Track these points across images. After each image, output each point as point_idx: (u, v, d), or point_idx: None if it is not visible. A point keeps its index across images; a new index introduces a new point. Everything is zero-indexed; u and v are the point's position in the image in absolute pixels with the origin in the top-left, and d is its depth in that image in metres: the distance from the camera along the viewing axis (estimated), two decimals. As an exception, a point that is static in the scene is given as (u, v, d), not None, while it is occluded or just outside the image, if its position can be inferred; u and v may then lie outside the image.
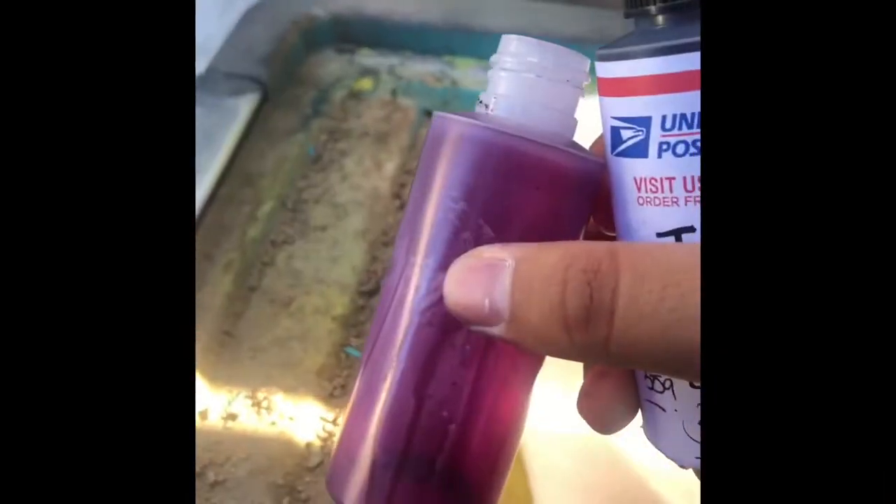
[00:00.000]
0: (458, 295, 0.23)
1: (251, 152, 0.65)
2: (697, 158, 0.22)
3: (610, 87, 0.24)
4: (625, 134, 0.23)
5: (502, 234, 0.24)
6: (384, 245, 0.60)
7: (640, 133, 0.23)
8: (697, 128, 0.22)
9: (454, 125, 0.25)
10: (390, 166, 0.66)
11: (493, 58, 0.26)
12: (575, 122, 0.26)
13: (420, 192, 0.26)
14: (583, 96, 0.26)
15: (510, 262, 0.22)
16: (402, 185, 0.65)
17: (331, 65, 0.76)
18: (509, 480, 0.45)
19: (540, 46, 0.25)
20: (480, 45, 0.74)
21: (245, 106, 0.66)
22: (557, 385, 0.47)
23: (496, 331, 0.22)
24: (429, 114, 0.71)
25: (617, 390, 0.27)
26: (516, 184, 0.24)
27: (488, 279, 0.22)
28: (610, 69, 0.24)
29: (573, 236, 0.26)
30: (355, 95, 0.73)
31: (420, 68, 0.75)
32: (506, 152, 0.24)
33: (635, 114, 0.23)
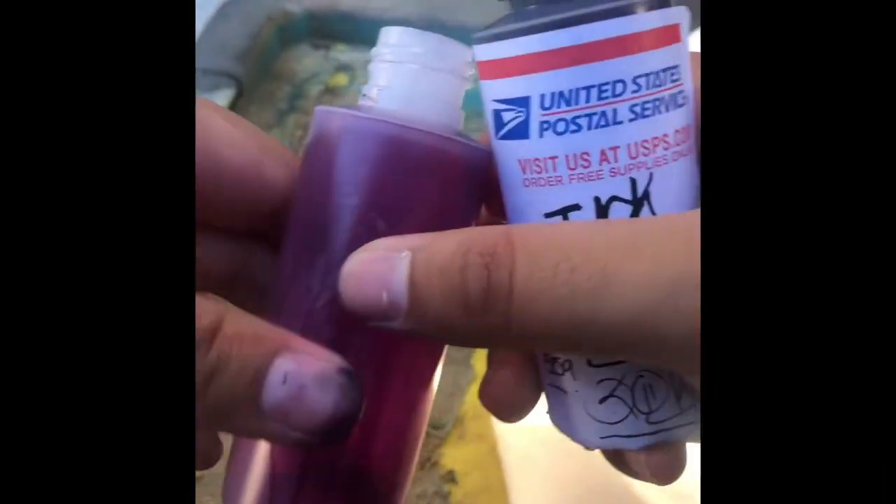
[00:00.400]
0: (355, 290, 0.22)
1: (226, 148, 0.65)
2: (579, 135, 0.22)
3: (488, 70, 0.24)
4: (506, 116, 0.23)
5: (395, 226, 0.24)
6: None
7: (521, 114, 0.23)
8: (576, 104, 0.22)
9: (338, 118, 0.24)
10: (366, 162, 0.66)
11: (374, 50, 0.25)
12: (460, 113, 0.26)
13: (307, 189, 0.25)
14: (467, 86, 0.26)
15: (406, 253, 0.22)
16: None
17: (306, 60, 0.76)
18: (486, 473, 0.46)
19: (421, 36, 0.25)
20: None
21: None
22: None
23: (396, 324, 0.22)
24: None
25: (518, 377, 0.27)
26: (405, 175, 0.24)
27: (385, 271, 0.22)
28: (486, 52, 0.23)
29: (465, 225, 0.25)
30: (331, 91, 0.73)
31: (396, 64, 0.75)
32: (392, 143, 0.24)
33: (514, 95, 0.23)
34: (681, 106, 0.23)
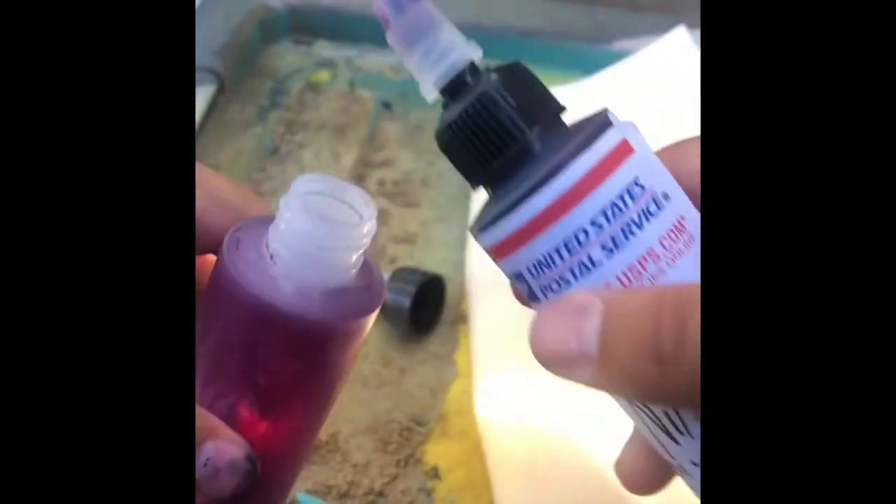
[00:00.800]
0: (546, 338, 0.23)
1: (207, 144, 0.65)
2: (572, 287, 0.24)
3: (492, 255, 0.26)
4: (521, 287, 0.25)
5: (273, 386, 0.29)
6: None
7: (524, 286, 0.25)
8: (555, 266, 0.24)
9: (233, 283, 0.27)
10: (348, 158, 0.66)
11: (282, 201, 0.28)
12: (354, 263, 0.29)
13: (205, 321, 0.28)
14: (367, 240, 0.29)
15: (599, 305, 0.22)
16: (361, 177, 0.65)
17: (288, 56, 0.76)
18: (469, 469, 0.46)
19: (319, 210, 0.28)
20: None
21: (201, 97, 0.65)
22: (518, 378, 0.48)
23: (584, 374, 0.22)
24: (387, 105, 0.71)
25: (653, 454, 0.28)
26: (276, 348, 0.28)
27: (577, 321, 0.22)
28: (481, 242, 0.26)
29: (340, 378, 0.30)
30: (313, 87, 0.73)
31: (378, 60, 0.75)
32: (263, 317, 0.27)
33: (512, 273, 0.25)
34: (661, 209, 0.23)
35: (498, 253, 0.25)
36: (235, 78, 0.70)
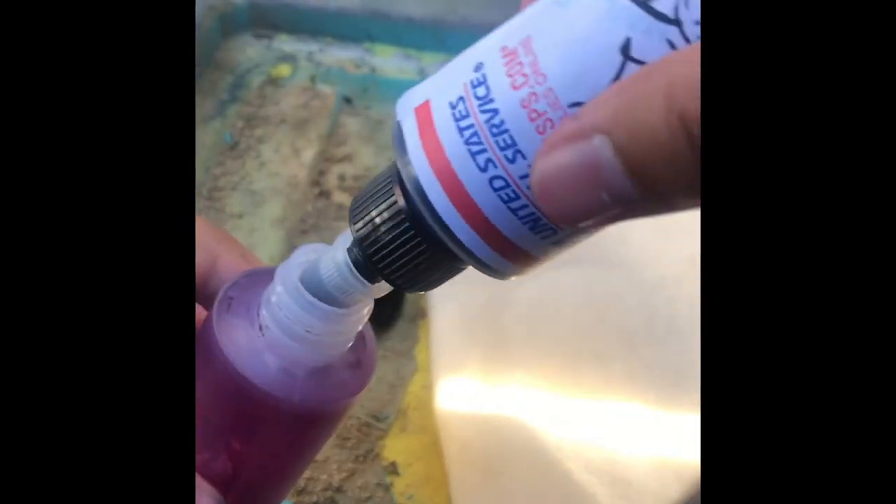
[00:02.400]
0: (564, 203, 0.20)
1: (166, 138, 0.64)
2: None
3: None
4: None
5: (249, 449, 0.29)
6: (302, 233, 0.60)
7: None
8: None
9: (218, 350, 0.27)
10: (309, 153, 0.65)
11: (279, 270, 0.27)
12: (343, 343, 0.28)
13: (199, 380, 0.28)
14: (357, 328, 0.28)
15: (600, 138, 0.19)
16: (321, 173, 0.64)
17: (248, 50, 0.75)
18: (428, 464, 0.46)
19: (306, 307, 0.27)
20: (400, 32, 0.74)
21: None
22: (476, 373, 0.48)
23: (625, 210, 0.19)
24: (348, 100, 0.71)
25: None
26: (255, 420, 0.28)
27: (590, 172, 0.19)
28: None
29: (313, 454, 0.30)
30: (273, 81, 0.72)
31: (339, 55, 0.75)
32: (243, 392, 0.27)
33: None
34: None
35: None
36: (195, 72, 0.69)
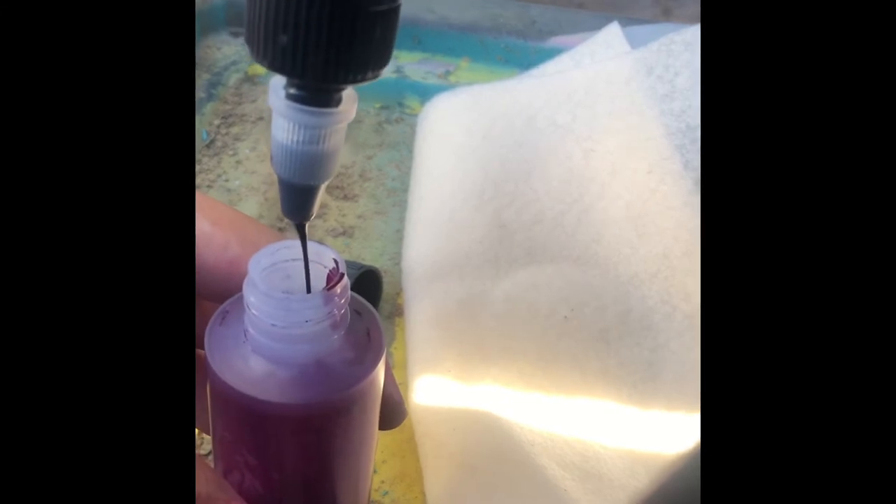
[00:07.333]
0: None
1: (142, 136, 0.64)
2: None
3: None
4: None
5: (264, 463, 0.28)
6: (279, 231, 0.60)
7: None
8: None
9: (209, 364, 0.27)
10: (286, 151, 0.65)
11: (245, 284, 0.27)
12: (327, 334, 0.28)
13: (209, 399, 0.29)
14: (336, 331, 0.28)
15: None
16: (298, 171, 0.64)
17: (225, 48, 0.75)
18: (403, 461, 0.46)
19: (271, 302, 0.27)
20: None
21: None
22: (452, 370, 0.48)
23: None
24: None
25: None
26: (253, 429, 0.28)
27: None
28: None
29: (341, 453, 0.29)
30: (250, 79, 0.72)
31: (316, 53, 0.75)
32: (236, 405, 0.27)
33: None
34: None
35: None
36: (171, 69, 0.69)
